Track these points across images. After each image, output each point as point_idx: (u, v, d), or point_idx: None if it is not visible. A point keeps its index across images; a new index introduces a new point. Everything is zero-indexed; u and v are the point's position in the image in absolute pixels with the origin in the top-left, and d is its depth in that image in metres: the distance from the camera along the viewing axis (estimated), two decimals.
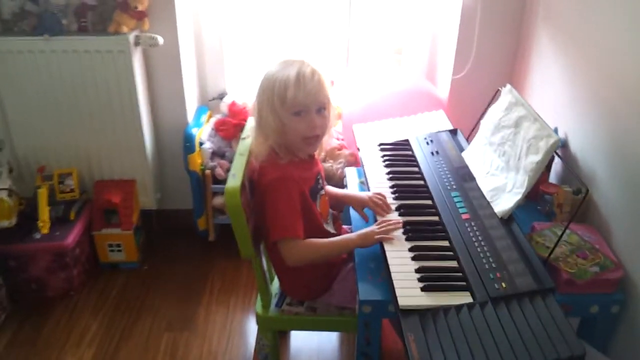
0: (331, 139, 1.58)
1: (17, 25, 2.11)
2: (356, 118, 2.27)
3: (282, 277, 1.65)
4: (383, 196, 1.60)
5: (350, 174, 1.97)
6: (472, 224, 1.47)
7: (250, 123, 1.56)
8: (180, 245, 2.61)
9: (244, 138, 1.60)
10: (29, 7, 2.09)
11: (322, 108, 1.46)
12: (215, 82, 2.57)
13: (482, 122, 1.78)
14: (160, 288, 2.36)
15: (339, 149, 2.36)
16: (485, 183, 1.60)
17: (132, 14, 2.10)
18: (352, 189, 1.85)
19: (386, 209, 1.55)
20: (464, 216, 1.50)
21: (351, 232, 1.60)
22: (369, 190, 1.67)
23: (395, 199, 1.62)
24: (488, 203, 1.52)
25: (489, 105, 1.80)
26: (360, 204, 1.63)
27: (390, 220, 1.49)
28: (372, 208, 1.57)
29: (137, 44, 2.15)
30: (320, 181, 1.60)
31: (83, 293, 2.32)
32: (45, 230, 2.13)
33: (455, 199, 1.57)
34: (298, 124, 1.44)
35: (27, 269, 2.17)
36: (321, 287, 1.63)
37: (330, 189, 1.71)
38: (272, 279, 1.72)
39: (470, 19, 2.21)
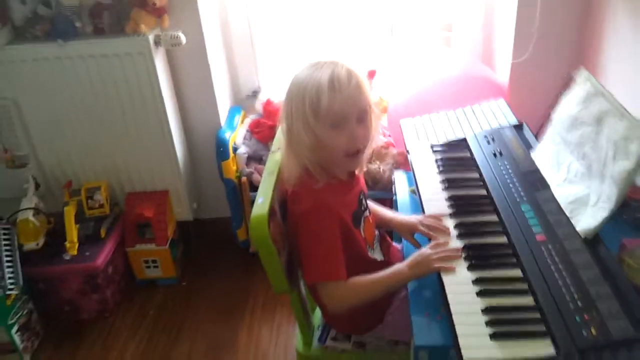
0: (377, 137, 1.34)
1: (28, 31, 1.98)
2: (403, 110, 2.04)
3: (325, 309, 1.45)
4: (438, 218, 1.37)
5: (400, 179, 1.74)
6: (549, 247, 1.22)
7: (279, 134, 1.35)
8: (221, 258, 2.46)
9: (273, 152, 1.40)
10: (42, 10, 1.97)
11: (363, 116, 1.24)
12: (247, 78, 2.39)
13: (554, 115, 1.51)
14: (200, 305, 2.22)
15: (386, 148, 2.14)
16: (562, 193, 1.34)
17: (150, 10, 1.93)
18: (402, 198, 1.63)
19: (442, 231, 1.32)
20: (539, 237, 1.26)
21: (402, 254, 1.38)
22: (420, 200, 1.44)
23: (453, 214, 1.39)
24: (567, 219, 1.27)
25: (559, 93, 1.53)
26: (409, 230, 1.41)
27: (447, 246, 1.27)
28: (425, 233, 1.34)
29: (157, 44, 1.98)
30: (364, 201, 1.39)
31: (119, 314, 2.21)
32: (73, 252, 2.02)
33: (527, 214, 1.33)
34: (336, 138, 1.23)
35: (58, 291, 2.08)
36: (372, 319, 1.42)
37: (374, 207, 1.49)
38: (313, 310, 1.53)
39: None
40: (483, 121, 1.76)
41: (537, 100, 1.76)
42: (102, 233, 2.12)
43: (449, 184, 1.50)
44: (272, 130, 2.20)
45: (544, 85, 1.70)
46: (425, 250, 1.26)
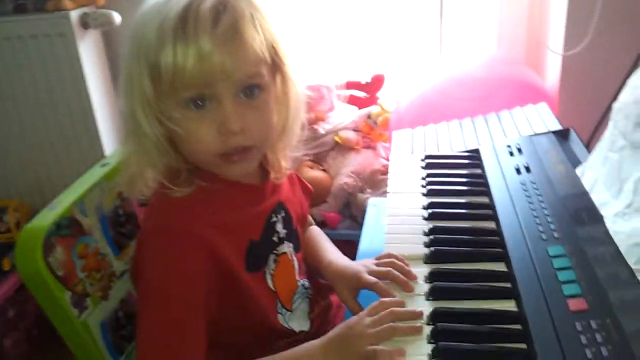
0: (294, 130, 0.78)
1: None
2: (410, 122, 1.50)
3: None
4: (399, 260, 0.82)
5: (374, 208, 1.19)
6: (593, 324, 0.65)
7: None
8: None
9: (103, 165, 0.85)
10: None
11: (250, 88, 0.72)
12: None
13: (615, 106, 0.93)
14: None
15: (383, 173, 1.59)
16: (624, 228, 0.77)
17: None
18: (369, 233, 1.08)
19: (401, 282, 0.76)
20: (574, 304, 0.69)
21: None
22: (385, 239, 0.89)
23: (430, 257, 0.83)
24: (631, 274, 0.69)
25: (625, 79, 0.97)
26: (350, 284, 0.84)
27: (399, 310, 0.71)
28: (371, 287, 0.79)
29: (85, 24, 1.55)
30: (281, 226, 0.84)
31: None
32: None
33: (557, 262, 0.77)
34: (197, 127, 0.70)
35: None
36: None
37: (313, 241, 0.95)
38: None
39: None
40: (511, 130, 1.20)
41: (593, 106, 1.19)
42: (6, 264, 1.67)
43: (434, 211, 0.95)
44: None
45: (604, 85, 1.14)
46: (359, 318, 0.70)
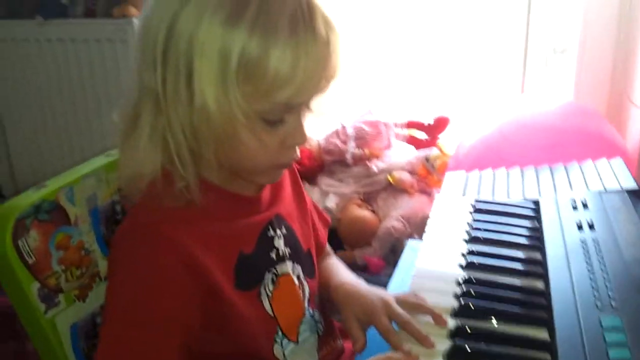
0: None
1: (15, 7, 1.71)
2: (467, 167, 1.40)
3: None
4: (422, 302, 0.73)
5: (412, 251, 1.08)
6: None
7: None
8: None
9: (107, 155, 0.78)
10: None
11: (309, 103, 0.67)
12: None
13: None
14: None
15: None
16: None
17: None
18: (400, 277, 0.97)
19: (419, 337, 0.68)
20: None
21: None
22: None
23: (459, 312, 0.72)
24: None
25: None
26: (362, 315, 0.74)
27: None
28: (382, 332, 0.70)
29: None
30: (280, 242, 0.75)
31: None
32: None
33: (610, 335, 0.66)
34: (270, 135, 0.64)
35: None
36: None
37: (330, 264, 0.86)
38: None
39: None
40: (579, 184, 1.08)
41: None
42: None
43: (473, 259, 0.83)
44: None
45: None
46: None
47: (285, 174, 0.80)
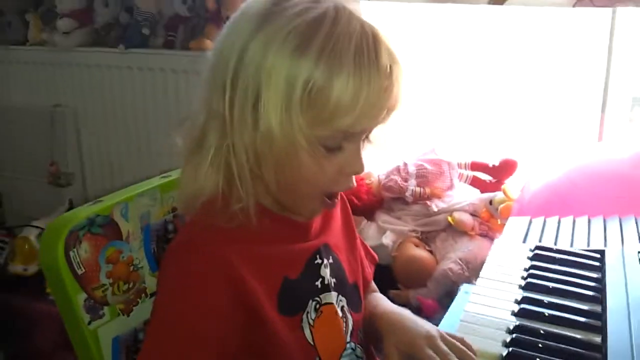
0: None
1: (102, 36, 1.84)
2: (532, 212, 1.36)
3: None
4: (466, 346, 0.71)
5: (465, 294, 1.04)
6: None
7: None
8: None
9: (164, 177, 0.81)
10: (123, 17, 1.80)
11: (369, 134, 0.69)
12: None
13: None
14: None
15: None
16: None
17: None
18: (450, 321, 0.94)
19: None
20: None
21: None
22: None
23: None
24: None
25: None
26: (404, 346, 0.72)
27: None
28: None
29: None
30: (326, 271, 0.75)
31: None
32: None
33: None
34: (327, 165, 0.65)
35: (34, 337, 1.70)
36: None
37: (380, 298, 0.86)
38: None
39: None
40: None
41: None
42: None
43: (527, 307, 0.80)
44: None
45: None
46: None
47: (337, 206, 0.81)
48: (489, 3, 1.37)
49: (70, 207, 1.89)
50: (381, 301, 0.85)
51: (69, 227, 0.61)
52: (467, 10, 1.72)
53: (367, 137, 0.67)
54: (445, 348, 0.69)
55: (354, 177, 0.69)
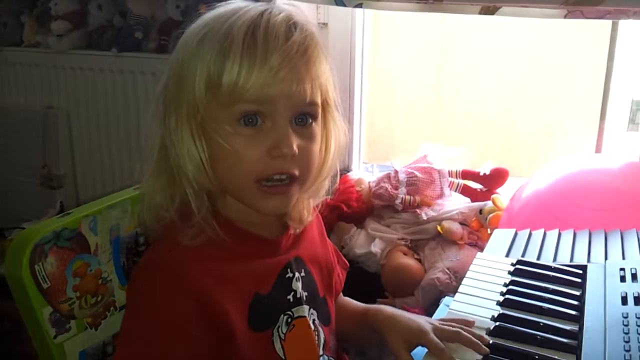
0: (313, 199, 0.72)
1: (95, 39, 1.83)
2: (520, 224, 1.35)
3: None
4: (468, 324, 0.79)
5: (445, 308, 1.03)
6: None
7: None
8: None
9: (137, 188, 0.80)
10: (117, 21, 1.79)
11: (307, 116, 0.68)
12: None
13: None
14: None
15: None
16: None
17: None
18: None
19: (472, 342, 0.74)
20: None
21: None
22: None
23: None
24: None
25: None
26: (408, 336, 0.76)
27: None
28: (435, 351, 0.73)
29: None
30: (298, 285, 0.74)
31: None
32: None
33: None
34: (246, 144, 0.65)
35: (22, 339, 1.69)
36: None
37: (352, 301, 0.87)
38: None
39: None
40: (634, 253, 1.00)
41: None
42: None
43: (503, 325, 0.79)
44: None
45: None
46: None
47: (313, 221, 0.80)
48: (480, 13, 1.36)
49: (62, 210, 1.88)
50: (357, 303, 0.89)
51: (34, 241, 0.60)
52: (463, 16, 1.72)
53: (302, 119, 0.67)
54: (450, 328, 0.74)
55: (286, 158, 0.65)
